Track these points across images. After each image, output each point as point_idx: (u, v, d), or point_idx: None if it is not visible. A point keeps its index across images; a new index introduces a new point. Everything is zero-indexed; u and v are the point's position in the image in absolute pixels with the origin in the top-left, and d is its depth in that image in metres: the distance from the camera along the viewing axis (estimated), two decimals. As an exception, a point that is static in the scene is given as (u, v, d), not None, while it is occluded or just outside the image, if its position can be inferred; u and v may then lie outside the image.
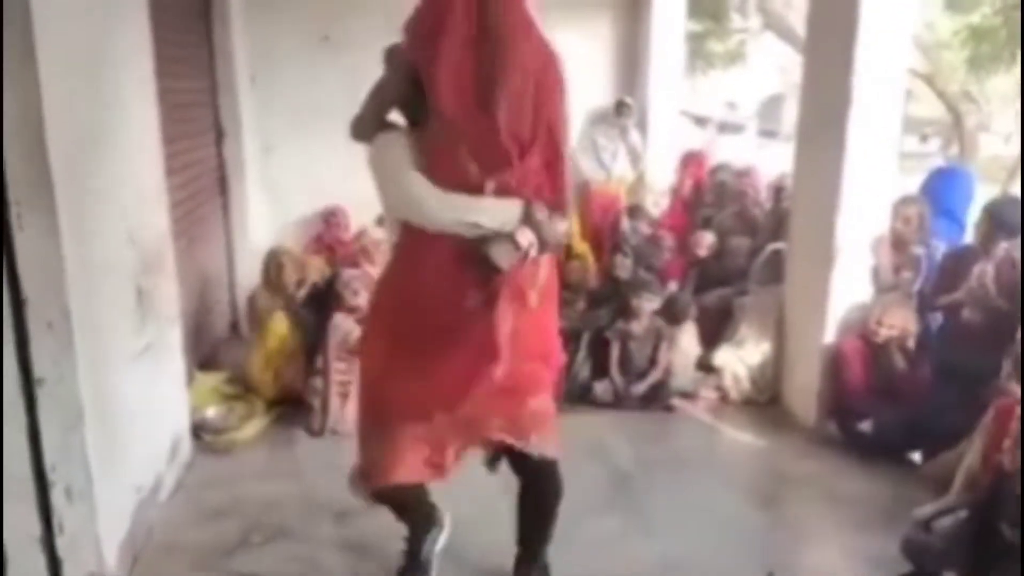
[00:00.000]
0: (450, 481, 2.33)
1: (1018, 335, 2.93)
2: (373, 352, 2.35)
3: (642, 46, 6.39)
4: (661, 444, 3.84)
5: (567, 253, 4.62)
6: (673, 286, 4.85)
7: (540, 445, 2.25)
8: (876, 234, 3.77)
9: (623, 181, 6.20)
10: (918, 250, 3.88)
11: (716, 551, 2.88)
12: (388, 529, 2.57)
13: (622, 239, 5.23)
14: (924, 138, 14.31)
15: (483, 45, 2.01)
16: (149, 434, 3.05)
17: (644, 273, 4.62)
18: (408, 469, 2.27)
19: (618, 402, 4.12)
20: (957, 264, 3.61)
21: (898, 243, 3.87)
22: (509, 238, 2.03)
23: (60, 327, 2.29)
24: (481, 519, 2.69)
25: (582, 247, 5.20)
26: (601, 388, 4.15)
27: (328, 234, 5.63)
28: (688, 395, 4.26)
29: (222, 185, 5.26)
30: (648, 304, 4.24)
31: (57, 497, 2.39)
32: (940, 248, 3.90)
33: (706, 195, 5.71)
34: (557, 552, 2.52)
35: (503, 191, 2.06)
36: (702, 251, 5.05)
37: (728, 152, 7.39)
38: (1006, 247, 3.42)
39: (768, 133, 16.48)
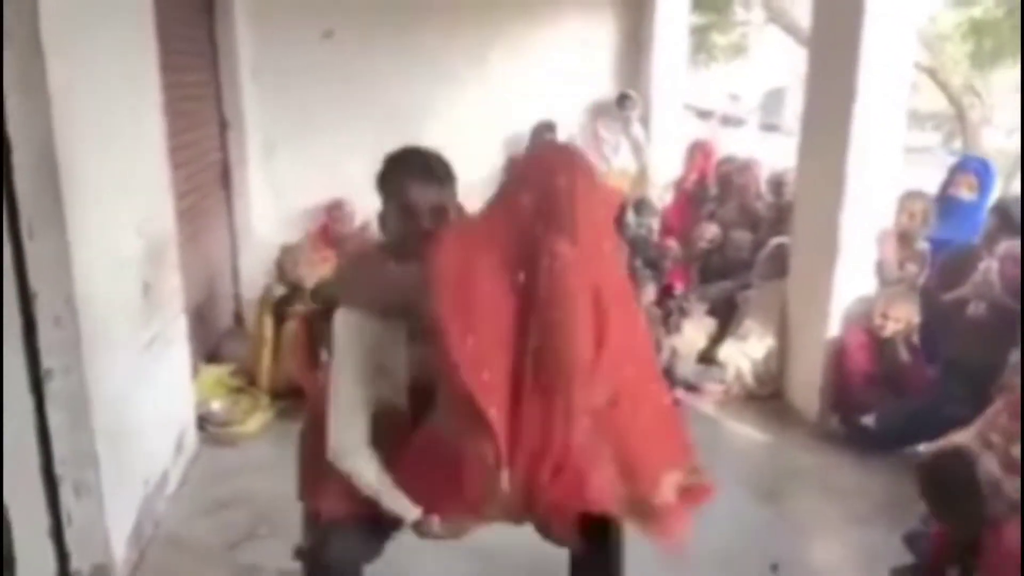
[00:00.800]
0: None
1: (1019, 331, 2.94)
2: None
3: (646, 38, 6.39)
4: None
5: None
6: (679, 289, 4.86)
7: None
8: (881, 228, 3.78)
9: (625, 174, 6.20)
10: (923, 245, 3.89)
11: (718, 543, 2.89)
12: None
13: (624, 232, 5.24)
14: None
15: None
16: (155, 426, 3.06)
17: (641, 269, 4.60)
18: None
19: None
20: (961, 261, 3.62)
21: (903, 238, 3.87)
22: None
23: (67, 321, 2.30)
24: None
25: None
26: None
27: (333, 227, 5.63)
28: (692, 388, 4.27)
29: (225, 178, 5.26)
30: (644, 296, 4.24)
31: (65, 489, 2.40)
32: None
33: (710, 188, 5.71)
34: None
35: None
36: (704, 243, 5.06)
37: (730, 146, 7.37)
38: (1009, 245, 3.42)
39: (770, 127, 16.45)
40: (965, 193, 3.89)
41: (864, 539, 2.95)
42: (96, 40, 2.60)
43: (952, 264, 3.64)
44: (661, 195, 5.99)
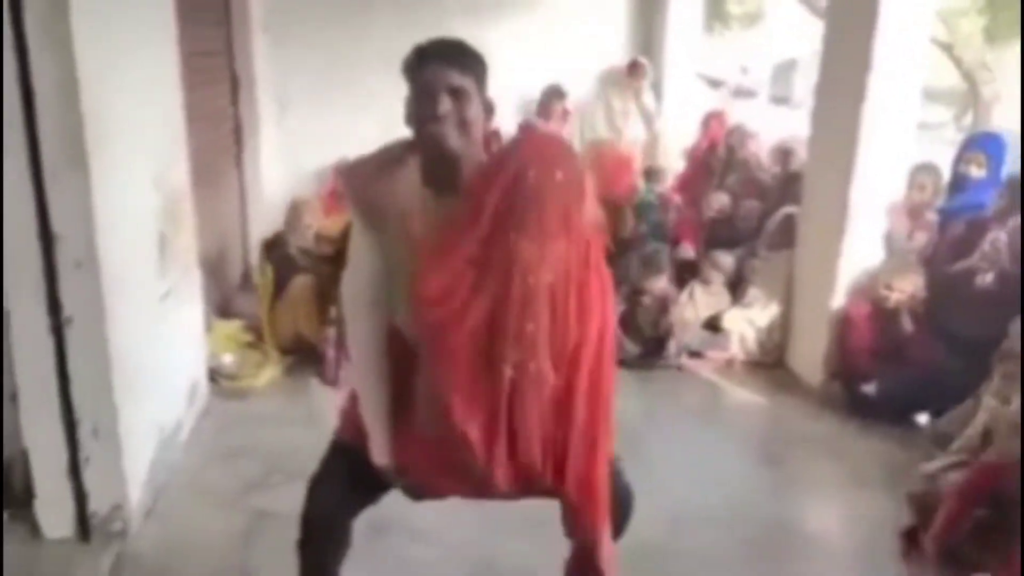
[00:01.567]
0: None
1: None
2: None
3: (659, 4, 6.33)
4: (669, 402, 3.91)
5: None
6: (687, 247, 4.88)
7: None
8: (892, 200, 3.78)
9: (636, 142, 6.18)
10: (932, 217, 3.90)
11: (721, 506, 2.96)
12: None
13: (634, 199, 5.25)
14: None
15: None
16: (170, 376, 3.12)
17: (652, 246, 4.59)
18: None
19: (626, 360, 4.15)
20: (970, 232, 3.63)
21: (913, 210, 3.88)
22: None
23: (88, 266, 2.34)
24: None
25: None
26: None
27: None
28: (696, 354, 4.32)
29: (237, 135, 5.26)
30: (657, 284, 4.28)
31: (84, 431, 2.46)
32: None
33: (717, 158, 5.71)
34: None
35: None
36: (712, 212, 5.07)
37: (740, 117, 7.34)
38: (1017, 219, 3.43)
39: (780, 99, 16.35)
40: (974, 171, 3.90)
41: (864, 502, 3.02)
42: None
43: (960, 235, 3.66)
44: (672, 165, 5.98)
